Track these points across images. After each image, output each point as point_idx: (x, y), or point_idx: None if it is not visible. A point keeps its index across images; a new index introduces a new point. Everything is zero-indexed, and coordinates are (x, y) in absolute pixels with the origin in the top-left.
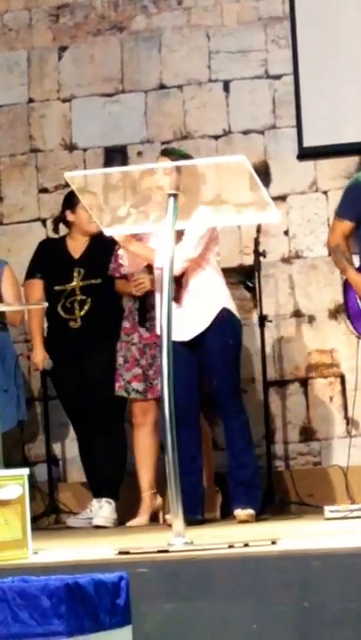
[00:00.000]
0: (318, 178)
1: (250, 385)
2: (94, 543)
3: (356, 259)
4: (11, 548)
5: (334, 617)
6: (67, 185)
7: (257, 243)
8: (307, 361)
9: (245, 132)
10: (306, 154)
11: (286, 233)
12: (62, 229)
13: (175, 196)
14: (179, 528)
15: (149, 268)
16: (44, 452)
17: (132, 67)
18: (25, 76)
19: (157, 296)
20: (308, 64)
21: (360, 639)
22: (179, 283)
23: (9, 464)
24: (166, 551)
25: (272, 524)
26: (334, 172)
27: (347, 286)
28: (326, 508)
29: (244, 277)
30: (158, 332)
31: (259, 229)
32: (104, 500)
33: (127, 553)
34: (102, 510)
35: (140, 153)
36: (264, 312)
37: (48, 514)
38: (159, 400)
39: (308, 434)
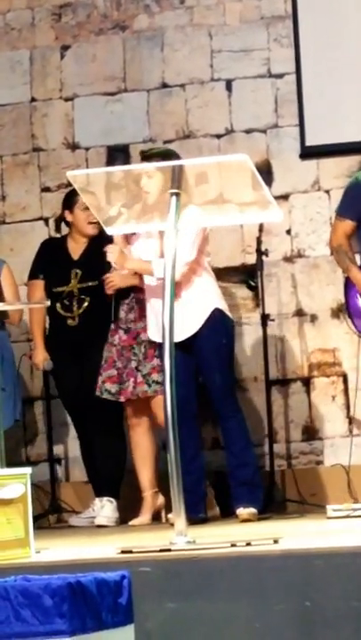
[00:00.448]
0: (321, 177)
1: (252, 384)
2: (96, 542)
3: (358, 258)
4: (13, 547)
5: (336, 616)
6: (69, 184)
7: (259, 242)
8: (309, 360)
9: (248, 131)
10: (308, 153)
11: (289, 232)
12: (65, 229)
13: (177, 195)
14: (181, 527)
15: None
16: (45, 452)
17: (134, 66)
18: (27, 76)
19: (152, 301)
20: (311, 63)
21: None
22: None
23: (11, 463)
24: (168, 550)
25: (274, 523)
26: (337, 171)
27: (348, 284)
28: (329, 507)
29: (247, 276)
30: (150, 334)
31: (261, 228)
32: (105, 499)
33: (129, 552)
34: (104, 509)
35: (141, 152)
36: (266, 311)
37: (50, 513)
38: (132, 401)
39: (310, 433)
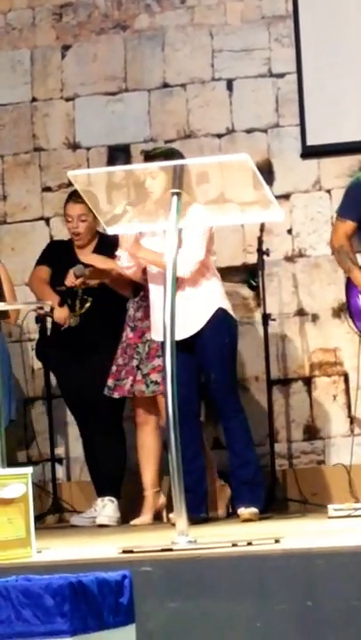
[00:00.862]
0: (322, 176)
1: (253, 383)
2: (98, 542)
3: (359, 258)
4: (14, 547)
5: (338, 615)
6: (70, 184)
7: (260, 241)
8: (310, 360)
9: (249, 131)
10: (309, 152)
11: (290, 231)
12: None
13: (179, 194)
14: (182, 527)
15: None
16: (47, 451)
17: (135, 65)
18: (28, 75)
19: (156, 301)
20: (312, 62)
21: None
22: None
23: (12, 463)
24: (170, 550)
25: (275, 522)
26: (338, 171)
27: (349, 285)
28: (330, 507)
29: (248, 276)
30: (153, 334)
31: (262, 228)
32: (107, 498)
33: (131, 552)
34: (105, 509)
35: (143, 152)
36: (268, 311)
37: (52, 512)
38: (141, 400)
39: (311, 432)
